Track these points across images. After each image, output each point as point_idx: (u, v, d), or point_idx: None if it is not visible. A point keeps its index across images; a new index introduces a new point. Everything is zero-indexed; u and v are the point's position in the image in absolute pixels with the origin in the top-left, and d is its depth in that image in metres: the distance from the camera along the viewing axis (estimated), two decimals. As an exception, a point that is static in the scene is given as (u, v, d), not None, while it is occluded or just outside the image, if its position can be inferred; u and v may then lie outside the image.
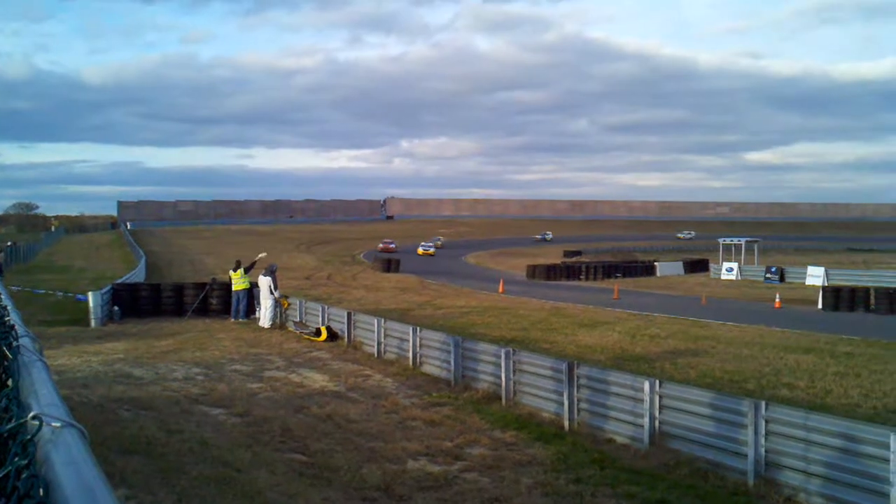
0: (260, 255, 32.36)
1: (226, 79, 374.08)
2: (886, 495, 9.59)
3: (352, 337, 24.18)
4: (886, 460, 9.64)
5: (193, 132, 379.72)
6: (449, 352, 18.68)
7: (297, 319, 27.68)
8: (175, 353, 21.91)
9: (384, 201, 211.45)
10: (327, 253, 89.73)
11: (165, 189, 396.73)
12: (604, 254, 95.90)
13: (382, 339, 22.32)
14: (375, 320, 22.96)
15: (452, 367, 18.43)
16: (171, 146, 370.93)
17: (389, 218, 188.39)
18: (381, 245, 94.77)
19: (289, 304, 28.73)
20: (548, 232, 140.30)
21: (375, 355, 22.17)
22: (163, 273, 52.39)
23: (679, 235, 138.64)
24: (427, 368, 19.88)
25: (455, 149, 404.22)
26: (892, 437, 9.63)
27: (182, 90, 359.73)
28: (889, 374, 19.45)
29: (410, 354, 20.54)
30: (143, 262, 53.90)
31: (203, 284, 31.54)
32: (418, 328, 20.93)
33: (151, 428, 12.84)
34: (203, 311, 30.45)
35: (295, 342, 24.75)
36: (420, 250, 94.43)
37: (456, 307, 36.91)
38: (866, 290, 40.05)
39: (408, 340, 20.77)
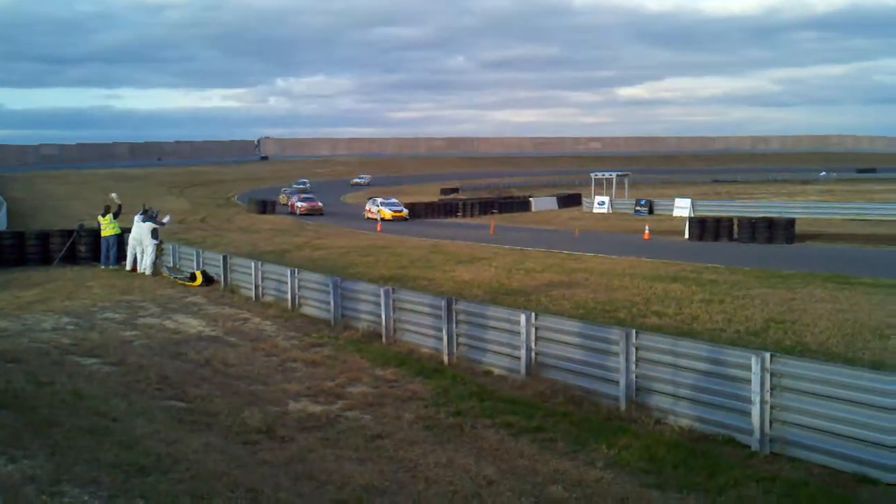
0: (111, 195, 31.02)
1: (91, 14, 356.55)
2: (748, 414, 10.15)
3: (228, 281, 23.82)
4: (748, 381, 10.18)
5: (57, 72, 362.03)
6: (328, 292, 18.65)
7: (171, 265, 27.05)
8: (42, 303, 21.13)
9: (258, 142, 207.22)
10: (201, 196, 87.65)
11: (27, 133, 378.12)
12: (481, 190, 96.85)
13: (260, 283, 22.07)
14: (252, 263, 22.66)
15: (332, 308, 18.42)
16: (32, 87, 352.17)
17: (264, 159, 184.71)
18: (300, 203, 67.15)
19: (163, 250, 28.01)
20: (363, 175, 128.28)
21: (253, 298, 21.93)
22: (27, 220, 50.14)
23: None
24: (306, 310, 19.81)
25: (331, 87, 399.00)
26: (753, 359, 10.16)
27: (43, 27, 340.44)
28: (751, 299, 20.45)
29: (289, 296, 20.41)
30: (3, 209, 51.37)
31: (70, 231, 30.27)
32: (296, 270, 20.78)
33: (20, 381, 12.41)
34: (71, 259, 29.29)
35: (169, 288, 24.21)
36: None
37: (334, 248, 36.73)
38: (730, 219, 41.70)
39: (286, 283, 20.61)
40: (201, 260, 25.58)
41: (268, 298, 21.61)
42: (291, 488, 8.61)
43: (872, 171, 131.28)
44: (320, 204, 68.22)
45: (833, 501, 8.42)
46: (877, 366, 12.90)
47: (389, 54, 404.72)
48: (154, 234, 27.45)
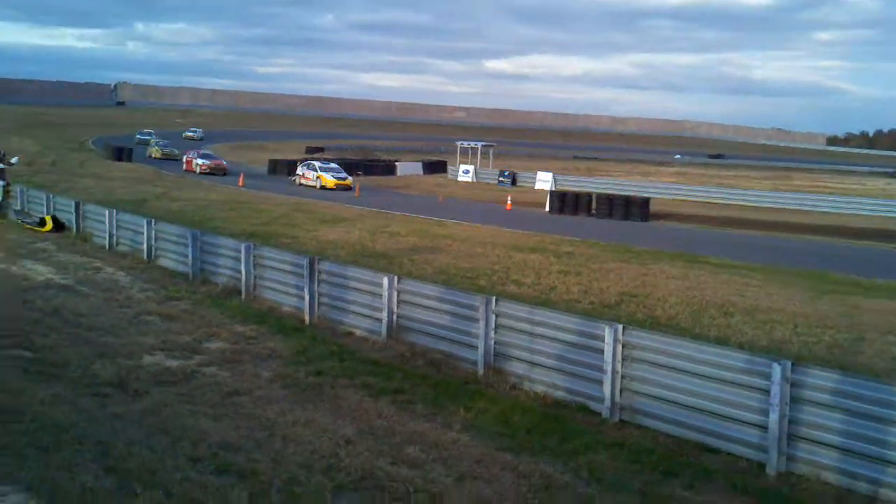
0: None
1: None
2: (600, 382, 10.51)
3: (81, 228, 22.86)
4: (601, 351, 10.53)
5: None
6: (187, 245, 18.15)
7: (19, 208, 25.72)
8: None
9: (115, 86, 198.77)
10: (50, 138, 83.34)
11: None
12: (346, 151, 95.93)
13: (115, 232, 21.28)
14: (107, 211, 21.80)
15: (190, 262, 17.96)
16: None
17: (120, 104, 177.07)
18: (200, 161, 55.90)
19: (11, 192, 26.56)
20: (195, 128, 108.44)
21: (107, 248, 21.14)
22: None
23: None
24: (164, 262, 19.24)
25: (194, 36, 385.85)
26: (606, 330, 10.51)
27: None
28: (605, 272, 21.13)
29: (145, 247, 19.77)
30: None
31: None
32: (153, 220, 20.12)
33: None
34: None
35: (16, 232, 23.02)
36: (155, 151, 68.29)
37: (194, 200, 35.75)
38: (589, 195, 42.79)
39: (142, 233, 19.93)
40: (52, 205, 24.44)
41: (122, 248, 20.87)
42: (144, 442, 8.40)
43: (721, 156, 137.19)
44: (224, 162, 57.38)
45: (677, 468, 8.83)
46: (721, 341, 13.59)
47: (255, 7, 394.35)
48: (1, 174, 26.00)
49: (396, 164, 68.34)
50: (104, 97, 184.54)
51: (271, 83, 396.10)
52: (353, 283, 14.43)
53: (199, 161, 55.83)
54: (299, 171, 50.67)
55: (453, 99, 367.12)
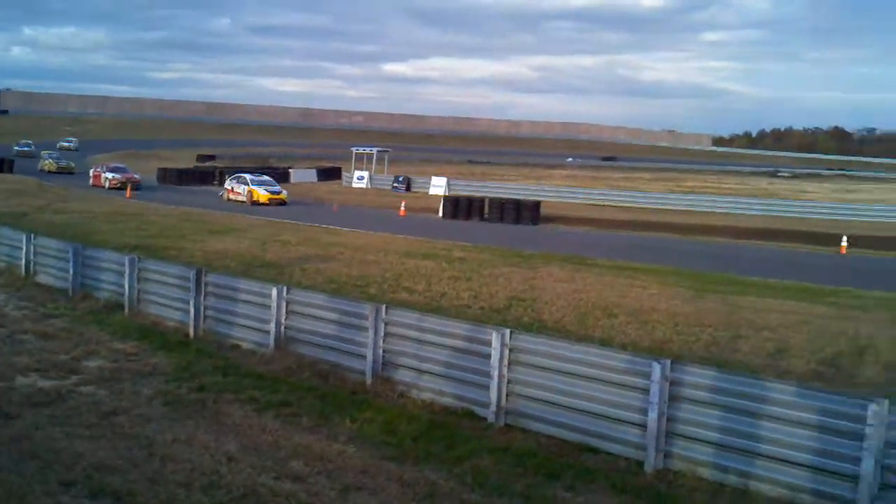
0: None
1: None
2: (487, 388, 10.60)
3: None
4: (489, 356, 10.62)
5: None
6: (67, 260, 17.57)
7: None
8: None
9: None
10: (-79, 149, 79.63)
11: None
12: (240, 159, 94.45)
13: (-10, 247, 20.43)
14: (-20, 226, 20.95)
15: (71, 277, 17.37)
16: None
17: (4, 112, 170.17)
18: (109, 175, 51.55)
19: None
20: (70, 138, 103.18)
21: (-20, 265, 20.28)
22: None
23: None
24: (42, 278, 18.56)
25: (83, 40, 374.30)
26: (494, 335, 10.62)
27: None
28: (495, 277, 21.34)
29: (23, 263, 19.04)
30: None
31: None
32: (32, 235, 19.41)
33: None
34: None
35: None
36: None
37: (79, 212, 34.65)
38: (482, 200, 43.23)
39: (20, 248, 19.20)
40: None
41: (-2, 265, 20.07)
42: (13, 468, 8.10)
43: (614, 159, 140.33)
44: (137, 176, 52.45)
45: (558, 469, 8.98)
46: (605, 342, 13.89)
47: (149, 10, 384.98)
48: None
49: (290, 170, 67.63)
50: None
51: (168, 89, 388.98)
52: (241, 295, 14.20)
53: (109, 175, 51.21)
54: (227, 184, 46.52)
55: (352, 103, 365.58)
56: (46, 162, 64.72)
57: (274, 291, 13.42)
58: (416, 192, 57.14)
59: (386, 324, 12.01)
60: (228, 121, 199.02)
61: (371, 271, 21.49)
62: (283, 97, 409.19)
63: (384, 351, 12.00)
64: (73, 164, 64.26)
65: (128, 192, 45.60)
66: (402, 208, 42.04)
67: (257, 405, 10.79)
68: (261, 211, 39.30)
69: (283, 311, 13.35)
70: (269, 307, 13.41)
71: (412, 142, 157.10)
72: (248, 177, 46.40)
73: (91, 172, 53.57)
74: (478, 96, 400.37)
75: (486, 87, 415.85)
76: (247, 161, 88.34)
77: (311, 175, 68.86)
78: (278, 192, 44.68)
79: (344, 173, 67.81)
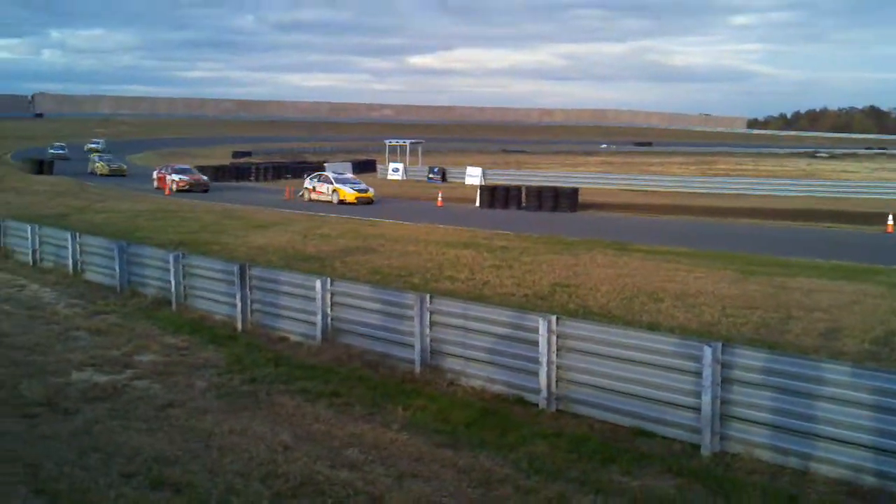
0: None
1: None
2: (536, 374, 10.58)
3: (2, 245, 22.25)
4: (536, 343, 10.59)
5: None
6: (113, 258, 17.80)
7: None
8: None
9: (32, 97, 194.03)
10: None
11: None
12: (274, 154, 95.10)
13: (38, 247, 20.77)
14: (28, 227, 21.27)
15: (118, 274, 17.60)
16: None
17: (39, 115, 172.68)
18: (175, 177, 48.55)
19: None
20: (97, 140, 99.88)
21: (31, 264, 20.64)
22: None
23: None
24: (90, 276, 18.83)
25: (112, 41, 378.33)
26: (540, 321, 10.57)
27: None
28: (538, 264, 21.28)
29: (70, 262, 19.33)
30: None
31: None
32: (78, 234, 19.68)
33: None
34: None
35: (-67, 253, 22.31)
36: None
37: (120, 211, 35.07)
38: (518, 188, 43.14)
39: (66, 247, 19.49)
40: (-31, 223, 23.73)
41: (47, 264, 20.38)
42: (76, 462, 8.21)
43: (648, 144, 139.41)
44: (205, 178, 50.42)
45: (613, 454, 8.93)
46: (653, 326, 13.78)
47: (175, 10, 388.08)
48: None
49: (325, 164, 67.92)
50: (21, 109, 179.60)
51: (196, 88, 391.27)
52: (285, 288, 14.30)
53: (176, 177, 48.20)
54: (308, 183, 43.79)
55: (380, 97, 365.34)
56: (98, 164, 62.92)
57: (318, 283, 13.48)
58: (451, 183, 57.16)
59: (431, 313, 12.02)
60: (259, 117, 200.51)
61: (413, 261, 21.53)
62: (311, 92, 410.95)
63: (431, 340, 12.01)
64: (125, 166, 63.31)
65: (167, 191, 45.97)
66: (440, 199, 42.05)
67: (309, 395, 10.86)
68: (299, 204, 39.47)
69: (329, 302, 13.41)
70: (314, 299, 13.48)
71: (443, 133, 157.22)
72: (331, 175, 43.97)
73: (155, 175, 50.84)
74: (504, 86, 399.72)
75: (514, 77, 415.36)
76: (281, 156, 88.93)
77: (346, 168, 69.06)
78: (365, 191, 42.00)
79: (378, 165, 67.96)
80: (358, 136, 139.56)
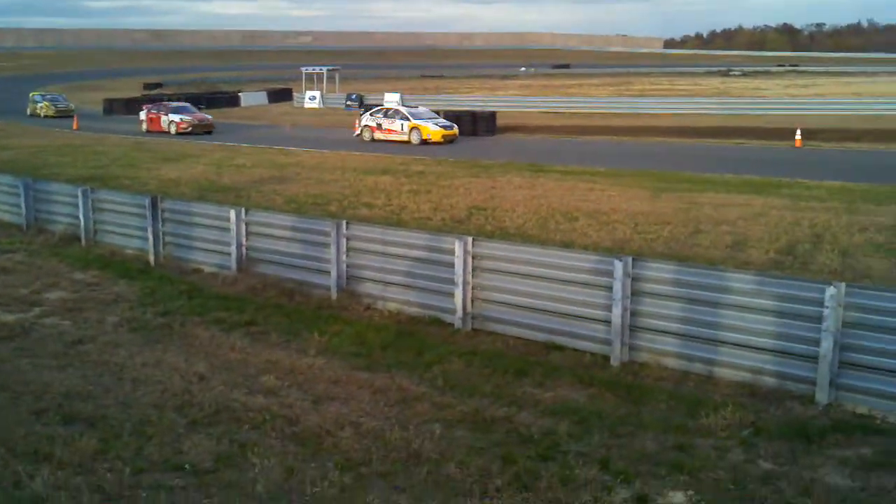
0: None
1: None
2: (452, 294, 10.68)
3: None
4: (451, 265, 10.67)
5: None
6: (18, 195, 17.24)
7: None
8: None
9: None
10: None
11: None
12: (187, 85, 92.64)
13: (-63, 187, 19.96)
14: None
15: (24, 211, 17.08)
16: None
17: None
18: (175, 117, 40.90)
19: None
20: None
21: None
22: None
23: None
24: (-6, 215, 18.23)
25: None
26: (457, 243, 10.64)
27: None
28: (455, 188, 21.33)
29: (-28, 201, 18.65)
30: None
31: None
32: (-21, 171, 18.98)
33: None
34: None
35: None
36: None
37: (24, 147, 33.85)
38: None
39: (-33, 186, 18.78)
40: None
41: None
42: (-18, 401, 8.05)
43: (567, 66, 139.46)
44: (209, 117, 42.91)
45: (527, 368, 9.13)
46: (567, 245, 14.01)
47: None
48: None
49: (240, 94, 66.50)
50: None
51: (105, 18, 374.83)
52: (198, 220, 14.09)
53: (175, 117, 40.76)
54: (368, 120, 36.78)
55: (298, 24, 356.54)
56: (41, 105, 54.95)
57: (232, 214, 13.31)
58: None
59: (348, 239, 11.99)
60: (173, 48, 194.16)
61: (330, 189, 21.37)
62: (227, 20, 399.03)
63: (348, 266, 12.02)
64: (72, 106, 54.79)
65: (74, 125, 44.41)
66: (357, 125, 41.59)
67: (224, 325, 10.80)
68: (215, 135, 38.55)
69: (243, 232, 13.26)
70: (228, 230, 13.32)
71: (363, 59, 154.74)
72: (405, 110, 37.32)
73: (143, 115, 42.87)
74: (426, 10, 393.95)
75: (433, 1, 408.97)
76: (194, 86, 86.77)
77: (261, 98, 67.82)
78: (451, 128, 35.74)
79: (295, 94, 66.75)
80: (274, 65, 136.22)
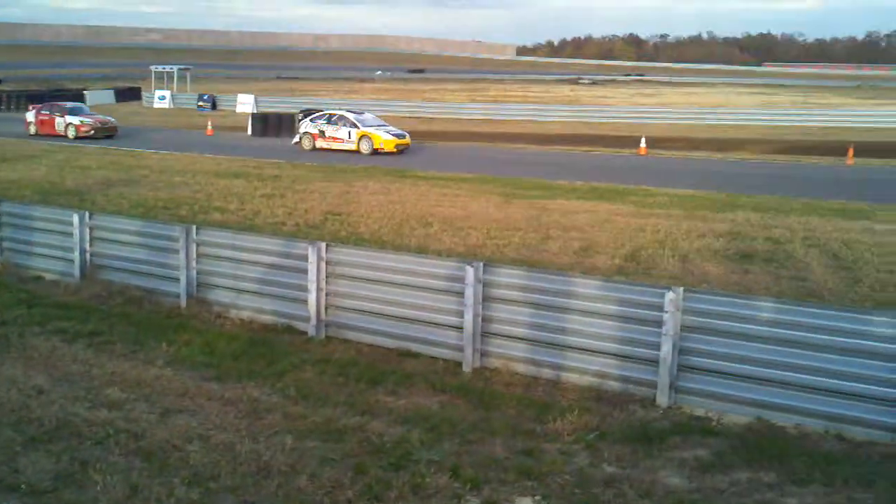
0: None
1: None
2: (305, 301, 10.62)
3: None
4: (305, 271, 10.62)
5: None
6: None
7: None
8: None
9: None
10: None
11: None
12: (28, 82, 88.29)
13: None
14: None
15: None
16: None
17: None
18: (75, 119, 36.30)
19: None
20: None
21: None
22: None
23: None
24: None
25: None
26: (310, 249, 10.58)
27: None
28: (310, 193, 21.17)
29: None
30: None
31: None
32: None
33: None
34: None
35: None
36: None
37: None
38: (291, 116, 42.36)
39: None
40: None
41: None
42: None
43: (422, 71, 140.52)
44: (111, 119, 38.52)
45: (380, 376, 9.17)
46: (421, 250, 14.13)
47: None
48: None
49: (85, 93, 63.77)
50: None
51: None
52: (39, 224, 13.53)
53: (72, 119, 36.14)
54: (308, 127, 33.63)
55: (150, 20, 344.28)
56: None
57: (75, 218, 12.82)
58: (222, 111, 55.36)
59: (198, 244, 11.77)
60: (11, 42, 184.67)
61: (180, 193, 20.83)
62: (72, 15, 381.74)
63: (198, 272, 11.79)
64: None
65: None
66: (209, 127, 40.66)
67: (66, 336, 10.36)
68: (60, 137, 36.80)
69: (87, 238, 12.80)
70: (71, 235, 12.82)
71: (215, 59, 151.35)
72: (352, 116, 33.53)
73: (31, 117, 37.43)
74: (280, 10, 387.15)
75: (289, 1, 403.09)
76: (35, 84, 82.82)
77: (108, 96, 65.22)
78: (403, 136, 32.88)
79: (144, 93, 64.66)
80: (122, 62, 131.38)
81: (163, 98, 60.16)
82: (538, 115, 50.79)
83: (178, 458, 7.04)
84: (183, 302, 11.69)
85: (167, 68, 67.85)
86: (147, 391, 8.57)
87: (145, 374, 9.08)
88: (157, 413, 8.01)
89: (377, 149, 31.56)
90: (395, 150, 31.76)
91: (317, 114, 34.85)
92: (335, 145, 32.39)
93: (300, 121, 35.19)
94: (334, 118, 33.29)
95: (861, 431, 7.78)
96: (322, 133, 32.92)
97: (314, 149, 32.55)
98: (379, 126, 33.21)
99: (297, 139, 33.86)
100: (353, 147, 31.95)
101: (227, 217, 17.74)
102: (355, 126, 32.40)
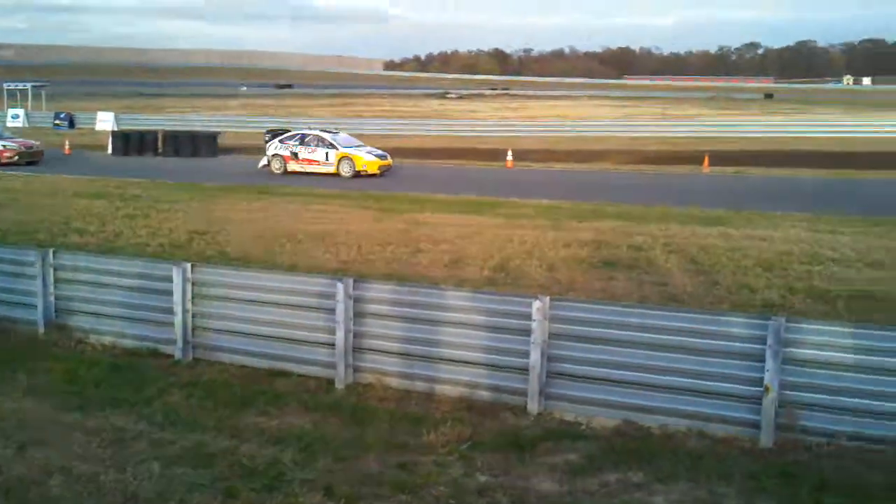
0: None
1: None
2: (171, 324, 10.33)
3: None
4: (170, 292, 10.32)
5: None
6: None
7: None
8: None
9: None
10: None
11: None
12: None
13: None
14: None
15: None
16: None
17: None
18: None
19: None
20: None
21: None
22: None
23: None
24: None
25: None
26: (174, 270, 10.32)
27: None
28: (174, 213, 20.65)
29: None
30: None
31: None
32: None
33: None
34: None
35: None
36: None
37: None
38: (154, 133, 41.31)
39: None
40: None
41: None
42: None
43: (289, 86, 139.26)
44: (36, 143, 35.75)
45: (250, 397, 9.00)
46: (292, 268, 13.99)
47: None
48: None
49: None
50: None
51: None
52: None
53: None
54: (278, 148, 31.14)
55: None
56: None
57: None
58: (81, 129, 53.45)
59: (55, 269, 11.31)
60: None
61: (36, 215, 19.96)
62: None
63: (56, 298, 11.33)
64: None
65: None
66: (67, 147, 39.17)
67: None
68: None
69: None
70: None
71: (73, 75, 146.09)
72: (328, 136, 31.16)
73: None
74: (139, 25, 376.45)
75: (149, 15, 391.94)
76: None
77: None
78: (385, 157, 31.03)
79: (-5, 112, 61.75)
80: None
81: (16, 117, 57.52)
82: (408, 128, 51.03)
83: (38, 493, 6.75)
84: (41, 329, 11.21)
85: (20, 85, 65.03)
86: (4, 425, 8.17)
87: (2, 406, 8.65)
88: (15, 447, 7.65)
89: (359, 171, 29.81)
90: (378, 171, 30.08)
91: (286, 134, 32.38)
92: (311, 168, 30.31)
93: (268, 142, 32.37)
94: (308, 138, 31.04)
95: (721, 428, 8.10)
96: (295, 155, 30.67)
97: (286, 172, 30.43)
98: (359, 147, 31.35)
99: (264, 162, 31.45)
100: (332, 170, 29.99)
101: (87, 239, 17.12)
102: (333, 147, 30.35)
